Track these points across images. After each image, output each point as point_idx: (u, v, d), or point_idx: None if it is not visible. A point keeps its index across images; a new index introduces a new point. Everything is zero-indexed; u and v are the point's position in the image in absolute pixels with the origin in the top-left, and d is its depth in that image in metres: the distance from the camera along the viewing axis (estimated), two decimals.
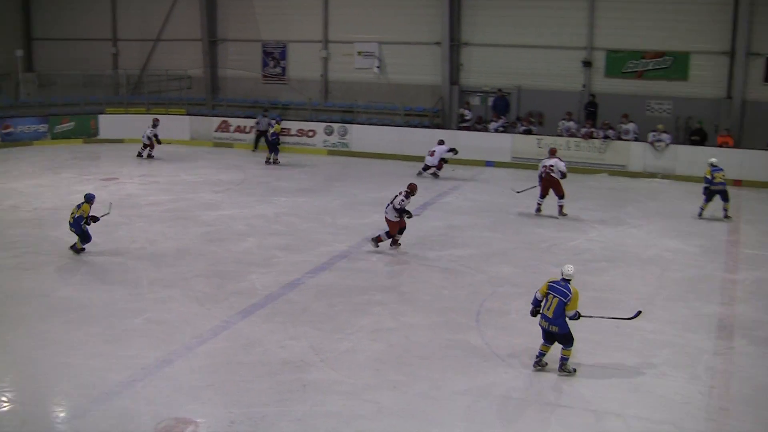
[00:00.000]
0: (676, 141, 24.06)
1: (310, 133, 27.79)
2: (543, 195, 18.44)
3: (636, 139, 24.34)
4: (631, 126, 24.47)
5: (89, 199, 14.61)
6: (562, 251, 15.57)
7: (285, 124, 27.41)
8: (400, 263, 14.66)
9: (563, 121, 25.17)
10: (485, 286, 13.43)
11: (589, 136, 24.31)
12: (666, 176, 23.59)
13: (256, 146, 27.46)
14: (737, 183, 22.25)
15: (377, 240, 15.20)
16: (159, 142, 26.06)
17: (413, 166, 24.07)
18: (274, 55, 31.14)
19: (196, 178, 22.76)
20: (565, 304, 9.62)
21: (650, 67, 25.82)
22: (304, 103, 29.84)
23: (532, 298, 10.11)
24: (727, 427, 8.91)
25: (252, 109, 29.97)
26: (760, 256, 15.53)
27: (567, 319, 9.72)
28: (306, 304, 12.37)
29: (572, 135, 24.69)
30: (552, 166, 18.05)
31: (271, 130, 25.29)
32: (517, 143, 24.82)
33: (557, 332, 9.71)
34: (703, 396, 9.60)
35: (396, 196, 15.16)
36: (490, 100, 27.71)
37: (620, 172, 24.12)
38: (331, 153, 27.55)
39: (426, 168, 23.25)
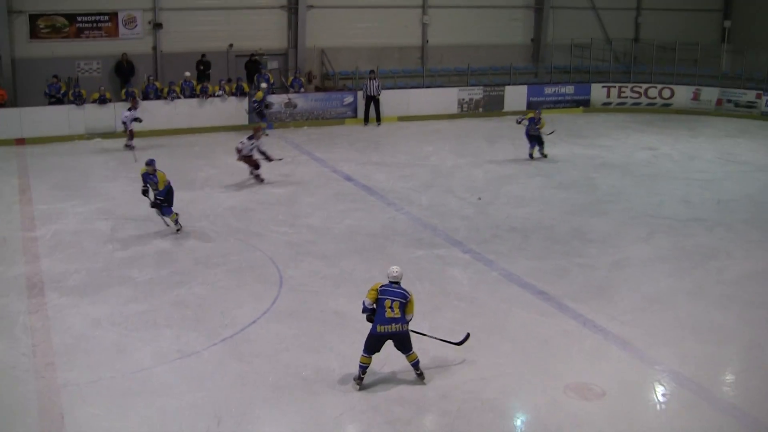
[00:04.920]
0: None
1: None
2: None
3: None
4: None
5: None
6: None
7: None
8: None
9: None
10: None
11: None
12: None
13: None
14: (20, 142, 22.11)
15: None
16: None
17: None
18: None
19: None
20: (405, 305, 8.74)
21: None
22: None
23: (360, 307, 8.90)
24: (58, 380, 8.97)
25: None
26: (53, 210, 15.71)
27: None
28: None
29: None
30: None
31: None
32: None
33: (403, 332, 8.72)
34: (27, 356, 9.54)
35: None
36: None
37: None
38: None
39: None
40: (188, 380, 9.02)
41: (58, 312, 10.88)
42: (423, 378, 8.87)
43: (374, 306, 8.75)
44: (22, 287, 11.75)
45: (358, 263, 12.78)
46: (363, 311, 8.82)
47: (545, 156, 20.21)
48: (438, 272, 12.37)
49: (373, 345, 8.76)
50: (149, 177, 13.92)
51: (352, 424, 8.23)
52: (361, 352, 8.77)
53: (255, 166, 17.89)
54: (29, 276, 12.19)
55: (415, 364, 8.85)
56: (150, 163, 14.01)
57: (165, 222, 14.22)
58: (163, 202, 13.93)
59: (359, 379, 8.77)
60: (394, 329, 8.65)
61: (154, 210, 14.15)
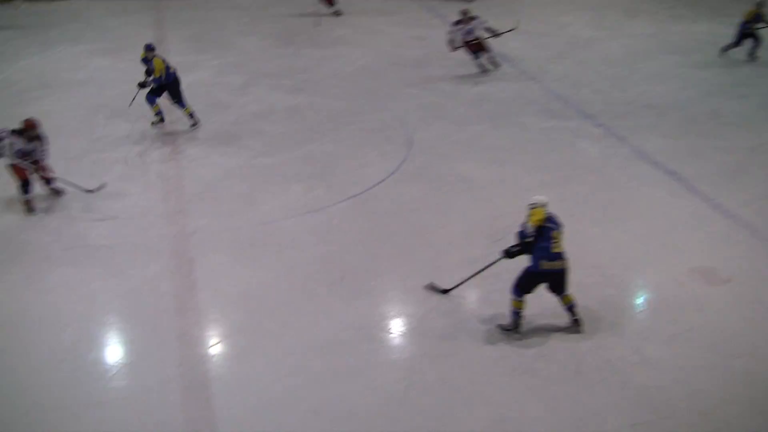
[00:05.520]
0: None
1: None
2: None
3: None
4: None
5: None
6: None
7: None
8: None
9: None
10: None
11: None
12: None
13: None
14: None
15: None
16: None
17: None
18: None
19: None
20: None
21: None
22: None
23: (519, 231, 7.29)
24: (188, 226, 9.38)
25: None
26: (188, 61, 15.56)
27: None
28: None
29: None
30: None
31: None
32: None
33: (565, 270, 7.20)
34: (160, 203, 10.02)
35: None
36: None
37: None
38: None
39: None
40: (314, 234, 9.26)
41: (191, 162, 11.30)
42: (580, 325, 7.48)
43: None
44: (156, 137, 12.22)
45: (488, 129, 12.66)
46: (520, 238, 7.16)
47: (754, 58, 16.92)
48: (568, 144, 12.14)
49: (529, 285, 7.25)
50: (147, 62, 12.26)
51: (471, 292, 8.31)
52: (512, 295, 7.32)
53: (475, 51, 15.46)
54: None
55: (571, 307, 7.39)
56: (148, 48, 12.22)
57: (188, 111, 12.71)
58: (174, 96, 12.41)
59: (516, 327, 7.40)
60: (559, 266, 7.13)
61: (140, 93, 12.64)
